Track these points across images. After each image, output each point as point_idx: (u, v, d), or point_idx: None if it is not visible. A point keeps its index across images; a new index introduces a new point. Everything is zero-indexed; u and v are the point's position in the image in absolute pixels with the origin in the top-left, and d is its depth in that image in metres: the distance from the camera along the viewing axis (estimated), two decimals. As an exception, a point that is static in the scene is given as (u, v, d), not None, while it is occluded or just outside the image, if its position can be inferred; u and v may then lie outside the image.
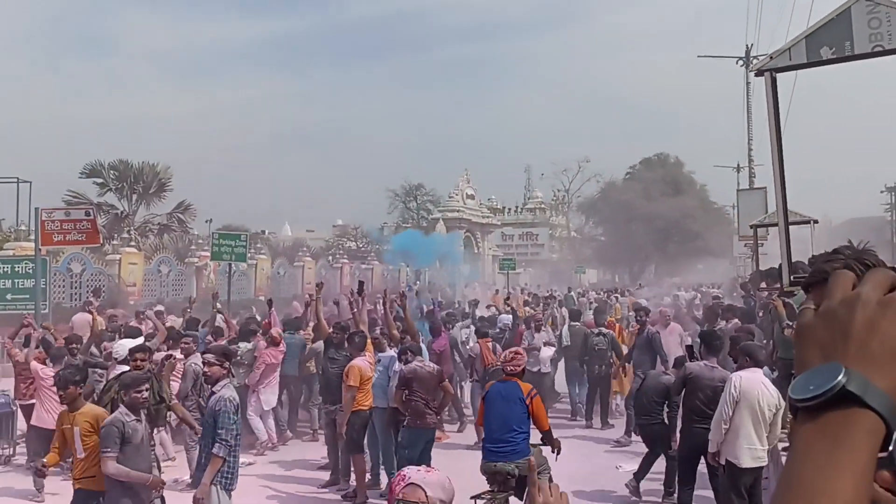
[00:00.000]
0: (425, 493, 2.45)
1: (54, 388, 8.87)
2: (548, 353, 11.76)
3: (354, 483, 8.60)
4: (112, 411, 6.04)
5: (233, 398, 5.80)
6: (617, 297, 28.10)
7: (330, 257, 38.93)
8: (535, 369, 11.41)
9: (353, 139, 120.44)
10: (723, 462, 6.44)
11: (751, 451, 6.28)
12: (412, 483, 2.46)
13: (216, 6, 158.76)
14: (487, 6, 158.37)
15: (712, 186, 66.92)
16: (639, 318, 11.98)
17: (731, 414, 6.29)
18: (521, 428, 6.27)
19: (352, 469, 8.66)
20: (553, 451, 6.57)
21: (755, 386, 6.38)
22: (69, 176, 44.05)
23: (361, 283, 10.13)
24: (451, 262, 41.64)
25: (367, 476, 8.76)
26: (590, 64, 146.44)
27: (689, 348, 7.77)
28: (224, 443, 5.64)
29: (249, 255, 25.23)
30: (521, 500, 5.96)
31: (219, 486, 5.66)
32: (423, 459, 7.40)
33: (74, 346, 9.62)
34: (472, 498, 6.08)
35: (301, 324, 12.45)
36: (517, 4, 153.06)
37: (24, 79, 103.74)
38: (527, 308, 19.29)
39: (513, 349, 7.18)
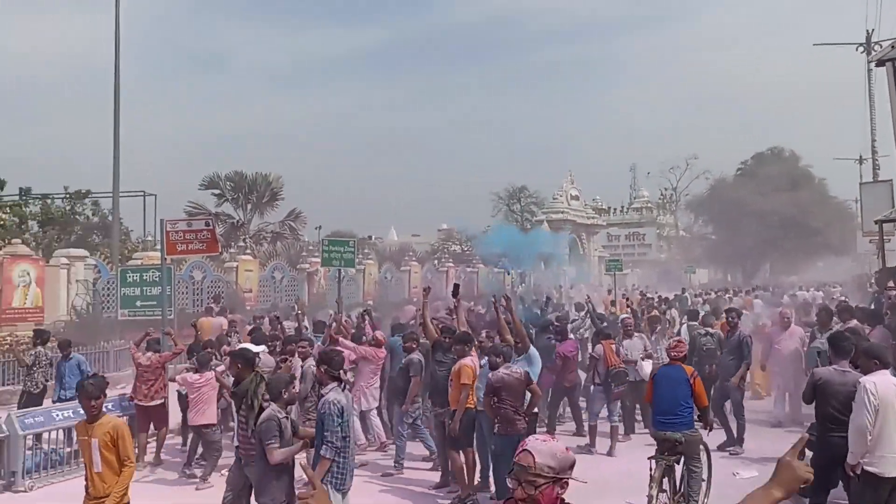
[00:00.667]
0: (534, 458, 2.64)
1: (202, 391, 9.49)
2: (647, 367, 11.25)
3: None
4: (251, 407, 6.50)
5: (336, 401, 5.89)
6: (730, 298, 27.12)
7: (435, 261, 39.32)
8: (631, 378, 11.04)
9: (457, 144, 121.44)
10: (859, 472, 6.05)
11: (893, 458, 5.90)
12: (525, 449, 2.69)
13: (317, 19, 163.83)
14: (586, 7, 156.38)
15: (832, 180, 64.40)
16: (730, 319, 11.50)
17: (873, 422, 5.91)
18: (686, 403, 7.43)
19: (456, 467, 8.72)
20: (706, 429, 7.66)
21: (890, 389, 5.99)
22: (189, 188, 46.42)
23: (457, 286, 10.15)
24: (554, 262, 41.25)
25: (477, 478, 8.80)
26: (694, 59, 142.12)
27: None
28: (330, 444, 5.79)
29: (358, 260, 25.86)
30: (681, 462, 7.52)
31: (330, 487, 5.82)
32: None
33: (210, 350, 10.20)
34: (648, 458, 7.37)
35: (405, 328, 12.55)
36: (617, 4, 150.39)
37: (144, 98, 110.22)
38: (627, 310, 18.77)
39: (676, 338, 8.70)
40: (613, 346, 11.22)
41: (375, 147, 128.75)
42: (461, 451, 8.71)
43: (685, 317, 15.89)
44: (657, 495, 7.24)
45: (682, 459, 7.51)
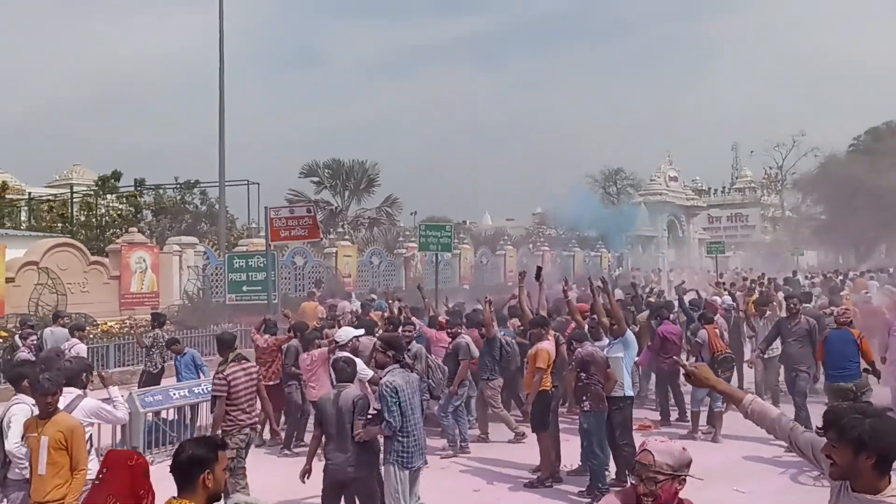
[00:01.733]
0: (654, 457, 2.93)
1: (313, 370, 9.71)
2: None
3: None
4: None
5: (391, 382, 6.00)
6: (842, 280, 25.86)
7: (530, 245, 39.11)
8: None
9: (552, 128, 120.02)
10: None
11: None
12: (645, 449, 2.97)
13: (412, 10, 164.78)
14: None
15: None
16: (792, 305, 10.62)
17: None
18: (853, 359, 9.10)
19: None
20: (876, 378, 9.44)
21: None
22: (290, 177, 47.76)
23: (539, 269, 10.13)
24: (652, 244, 40.35)
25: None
26: (796, 34, 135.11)
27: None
28: (387, 423, 5.98)
29: (454, 244, 26.00)
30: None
31: (395, 466, 6.04)
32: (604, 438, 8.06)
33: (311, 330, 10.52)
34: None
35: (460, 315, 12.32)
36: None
37: (249, 93, 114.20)
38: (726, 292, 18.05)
39: (843, 306, 10.15)
40: (717, 331, 10.92)
41: (471, 133, 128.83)
42: (542, 434, 8.74)
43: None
44: None
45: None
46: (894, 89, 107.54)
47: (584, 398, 8.08)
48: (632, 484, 3.04)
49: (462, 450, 9.84)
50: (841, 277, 27.76)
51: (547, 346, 8.79)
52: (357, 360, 7.84)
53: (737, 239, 59.51)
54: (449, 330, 10.51)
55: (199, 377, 10.90)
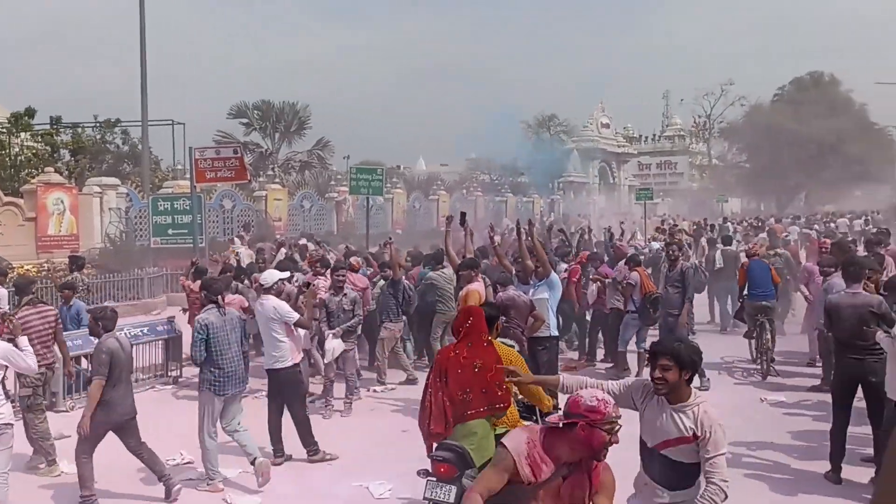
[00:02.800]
0: (611, 409, 3.21)
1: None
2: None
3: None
4: None
5: (202, 320, 6.71)
6: (759, 227, 27.12)
7: (464, 190, 39.17)
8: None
9: (485, 74, 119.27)
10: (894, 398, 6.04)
11: None
12: (601, 400, 3.23)
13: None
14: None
15: (874, 106, 61.96)
16: (670, 252, 10.70)
17: None
18: (769, 285, 11.13)
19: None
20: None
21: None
22: (218, 118, 46.36)
23: (463, 214, 10.20)
24: (583, 190, 40.88)
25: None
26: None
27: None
28: (192, 356, 6.77)
29: (386, 189, 25.80)
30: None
31: (208, 392, 6.73)
32: None
33: (228, 273, 10.36)
34: (747, 334, 11.27)
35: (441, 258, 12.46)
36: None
37: (177, 25, 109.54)
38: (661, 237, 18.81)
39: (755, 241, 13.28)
40: (649, 272, 11.27)
41: (407, 78, 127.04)
42: None
43: (720, 241, 16.86)
44: (756, 346, 11.00)
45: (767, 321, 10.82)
46: (820, 39, 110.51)
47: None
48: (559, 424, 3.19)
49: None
50: (759, 223, 29.09)
51: (478, 286, 8.79)
52: (282, 303, 7.80)
53: (665, 186, 60.86)
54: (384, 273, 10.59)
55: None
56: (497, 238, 10.81)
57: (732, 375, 10.83)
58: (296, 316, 7.55)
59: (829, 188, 57.03)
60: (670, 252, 10.77)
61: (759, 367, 10.85)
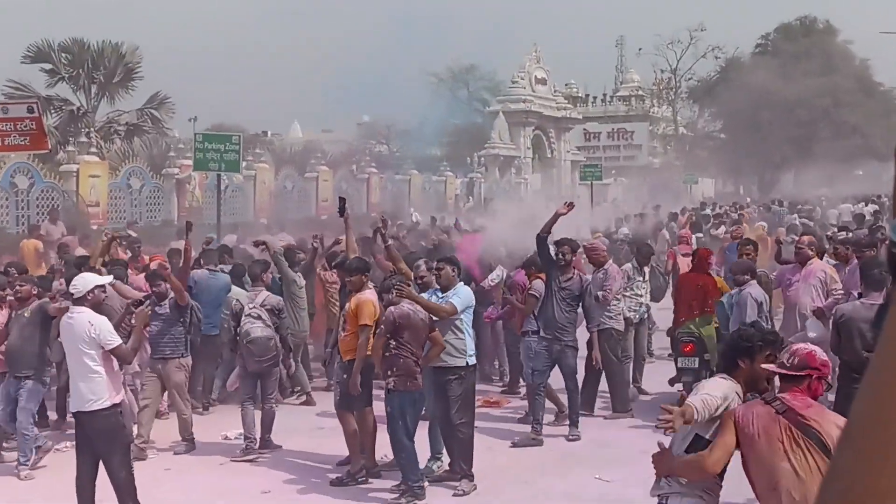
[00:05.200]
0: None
1: None
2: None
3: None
4: None
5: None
6: (740, 214, 28.15)
7: (354, 166, 39.12)
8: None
9: (382, 10, 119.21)
10: None
11: None
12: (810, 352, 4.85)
13: None
14: None
15: (878, 61, 64.88)
16: (560, 255, 10.52)
17: None
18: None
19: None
20: None
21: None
22: (8, 61, 44.59)
23: (343, 200, 10.32)
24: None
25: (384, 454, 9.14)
26: None
27: None
28: None
29: (246, 163, 25.54)
30: None
31: None
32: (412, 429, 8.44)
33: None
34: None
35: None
36: None
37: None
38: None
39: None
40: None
41: (279, 17, 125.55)
42: (355, 413, 9.03)
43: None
44: None
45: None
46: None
47: (389, 373, 8.30)
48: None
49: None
50: (738, 211, 30.24)
51: (371, 296, 9.00)
52: (100, 319, 7.60)
53: (619, 162, 62.03)
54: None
55: None
56: (394, 232, 10.95)
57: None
58: (117, 341, 7.41)
59: (823, 166, 59.40)
60: (560, 255, 10.45)
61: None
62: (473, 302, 9.21)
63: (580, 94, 69.28)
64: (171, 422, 10.77)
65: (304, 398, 12.26)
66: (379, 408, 9.09)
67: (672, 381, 11.53)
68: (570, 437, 10.30)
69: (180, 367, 10.04)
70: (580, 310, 10.69)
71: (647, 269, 12.89)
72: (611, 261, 11.93)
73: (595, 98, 71.60)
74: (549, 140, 55.27)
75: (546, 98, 55.10)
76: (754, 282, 10.17)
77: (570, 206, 10.55)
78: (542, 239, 10.25)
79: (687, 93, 69.39)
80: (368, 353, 8.81)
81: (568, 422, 10.52)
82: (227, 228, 17.90)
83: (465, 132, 54.71)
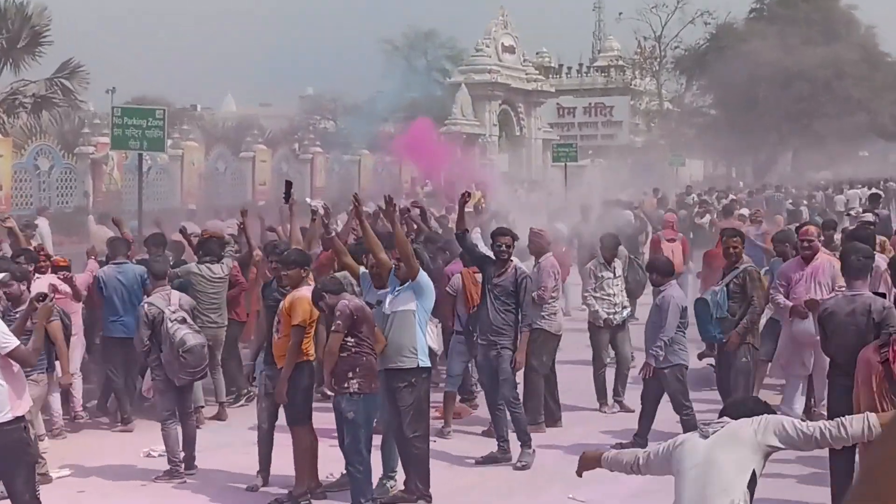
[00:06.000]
0: None
1: None
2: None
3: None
4: None
5: None
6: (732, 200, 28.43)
7: (296, 144, 38.98)
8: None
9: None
10: None
11: None
12: None
13: None
14: None
15: (885, 29, 65.43)
16: (497, 246, 10.56)
17: None
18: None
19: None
20: None
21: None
22: None
23: (289, 184, 10.28)
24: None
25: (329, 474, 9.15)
26: None
27: None
28: None
29: (172, 141, 25.35)
30: None
31: None
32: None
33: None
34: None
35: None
36: None
37: None
38: None
39: None
40: (478, 275, 11.07)
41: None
42: (300, 427, 9.04)
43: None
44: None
45: None
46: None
47: (351, 374, 8.27)
48: None
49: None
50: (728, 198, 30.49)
51: (308, 293, 8.93)
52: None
53: (597, 141, 62.13)
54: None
55: None
56: (338, 222, 10.93)
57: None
58: (13, 343, 7.32)
59: (824, 147, 59.91)
60: (497, 246, 10.40)
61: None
62: (432, 294, 9.06)
63: (553, 65, 69.35)
64: (86, 438, 10.68)
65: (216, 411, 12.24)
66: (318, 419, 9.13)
67: (701, 356, 12.37)
68: (519, 464, 9.92)
69: (37, 382, 9.75)
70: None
71: (617, 263, 12.74)
72: (549, 253, 11.82)
73: (570, 69, 71.72)
74: (518, 116, 55.31)
75: (515, 68, 55.12)
76: (674, 282, 10.40)
77: (466, 196, 10.63)
78: (460, 237, 10.33)
79: (673, 63, 69.55)
80: (309, 357, 8.89)
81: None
82: (149, 216, 17.73)
83: (422, 106, 54.60)
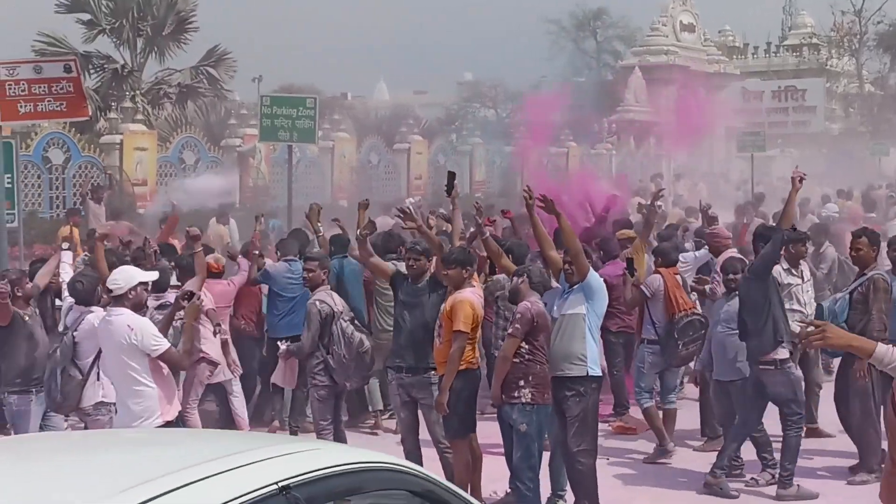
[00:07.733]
0: None
1: None
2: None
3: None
4: None
5: None
6: None
7: (454, 135, 39.18)
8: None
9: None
10: None
11: None
12: None
13: None
14: None
15: None
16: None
17: None
18: None
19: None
20: None
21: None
22: (39, 10, 45.98)
23: (452, 175, 10.28)
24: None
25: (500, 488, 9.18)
26: None
27: None
28: None
29: (322, 132, 25.73)
30: None
31: None
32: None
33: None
34: None
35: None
36: None
37: None
38: None
39: None
40: (679, 277, 11.14)
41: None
42: (460, 441, 9.04)
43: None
44: None
45: None
46: None
47: (523, 383, 8.28)
48: None
49: None
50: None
51: (471, 296, 8.92)
52: (142, 321, 7.77)
53: (787, 128, 60.95)
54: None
55: None
56: (494, 224, 11.00)
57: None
58: (164, 345, 7.55)
59: None
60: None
61: None
62: (604, 296, 8.96)
63: (737, 44, 68.30)
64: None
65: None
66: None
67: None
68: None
69: None
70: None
71: (804, 266, 11.78)
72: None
73: (756, 48, 70.45)
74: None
75: (695, 48, 54.48)
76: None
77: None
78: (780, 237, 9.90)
79: (875, 40, 67.70)
80: (466, 364, 8.85)
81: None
82: (298, 211, 18.05)
83: (591, 92, 54.36)
